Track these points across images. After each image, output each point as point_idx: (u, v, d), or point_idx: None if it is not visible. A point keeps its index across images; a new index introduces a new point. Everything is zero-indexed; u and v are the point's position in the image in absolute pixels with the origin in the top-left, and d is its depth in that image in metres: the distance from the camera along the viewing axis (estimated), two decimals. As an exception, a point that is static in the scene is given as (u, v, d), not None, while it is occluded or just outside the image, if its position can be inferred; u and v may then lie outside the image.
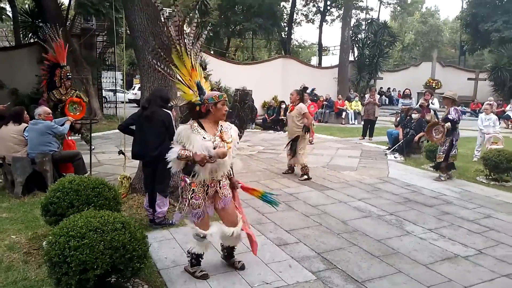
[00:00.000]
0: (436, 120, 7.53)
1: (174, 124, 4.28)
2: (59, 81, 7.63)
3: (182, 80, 3.25)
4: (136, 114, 4.35)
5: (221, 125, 3.28)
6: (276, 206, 3.73)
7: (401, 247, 4.09)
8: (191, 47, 3.26)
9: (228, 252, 3.57)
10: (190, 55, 3.24)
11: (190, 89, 3.22)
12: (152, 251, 3.61)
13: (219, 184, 3.26)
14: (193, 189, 3.17)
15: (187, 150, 3.06)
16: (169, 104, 4.22)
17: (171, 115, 4.27)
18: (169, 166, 3.18)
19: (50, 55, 7.65)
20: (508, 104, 18.11)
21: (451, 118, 6.82)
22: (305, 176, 6.76)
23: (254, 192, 3.65)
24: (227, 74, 16.30)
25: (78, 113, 7.26)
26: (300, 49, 37.65)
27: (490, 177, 7.07)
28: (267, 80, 18.24)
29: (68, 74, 7.70)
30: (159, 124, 4.14)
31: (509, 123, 17.02)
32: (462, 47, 31.87)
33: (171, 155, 3.10)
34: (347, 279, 3.40)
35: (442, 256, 3.90)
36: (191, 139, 3.08)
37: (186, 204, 3.21)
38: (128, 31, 5.70)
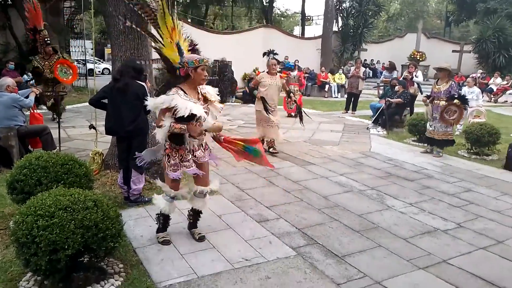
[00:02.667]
0: (425, 95, 7.22)
1: (149, 96, 4.07)
2: (40, 46, 7.20)
3: (162, 41, 3.12)
4: (107, 86, 4.10)
5: (200, 88, 3.26)
6: (257, 156, 3.60)
7: (381, 221, 4.08)
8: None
9: (193, 219, 3.56)
10: (172, 12, 3.11)
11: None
12: (127, 230, 3.51)
13: (203, 146, 3.38)
14: (181, 155, 3.23)
15: (178, 123, 3.05)
16: (142, 75, 4.00)
17: (146, 87, 4.05)
18: (157, 137, 3.19)
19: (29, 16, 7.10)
20: (491, 77, 18.23)
21: (457, 94, 6.67)
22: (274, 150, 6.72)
23: (237, 144, 3.55)
24: (205, 44, 15.59)
25: (70, 77, 6.71)
26: (282, 18, 36.85)
27: (472, 151, 7.10)
28: (247, 51, 17.74)
29: (46, 39, 7.25)
30: (133, 96, 3.92)
31: (492, 96, 17.20)
32: (448, 18, 31.67)
33: (163, 129, 3.09)
34: (327, 254, 3.37)
35: (422, 230, 3.90)
36: (183, 103, 3.02)
37: (178, 166, 3.22)
38: None
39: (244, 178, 5.30)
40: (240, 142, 3.53)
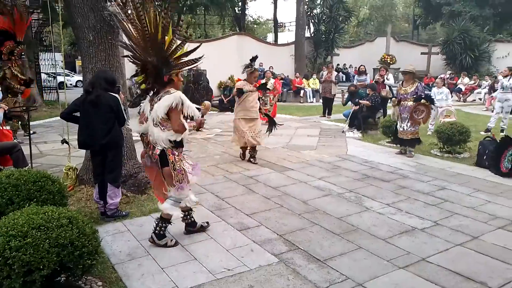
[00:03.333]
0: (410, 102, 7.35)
1: (123, 108, 4.01)
2: (6, 54, 6.96)
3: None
4: (79, 99, 4.01)
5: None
6: None
7: (360, 223, 4.13)
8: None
9: (191, 217, 3.77)
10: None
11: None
12: (105, 246, 3.42)
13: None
14: (180, 159, 3.40)
15: (189, 121, 3.37)
16: (115, 87, 3.94)
17: (119, 99, 3.98)
18: (172, 138, 3.31)
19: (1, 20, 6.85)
20: (459, 77, 18.87)
21: (423, 95, 6.93)
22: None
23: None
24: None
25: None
26: (255, 26, 37.09)
27: (444, 149, 7.31)
28: (222, 59, 17.75)
29: (22, 54, 7.06)
30: (106, 109, 3.85)
31: (461, 96, 17.79)
32: (415, 21, 32.71)
33: (185, 132, 3.34)
34: (309, 258, 3.38)
35: (400, 230, 3.97)
36: (189, 104, 3.26)
37: (186, 173, 3.41)
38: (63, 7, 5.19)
39: (223, 187, 5.27)
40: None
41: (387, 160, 6.83)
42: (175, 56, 3.32)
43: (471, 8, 24.34)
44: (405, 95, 7.00)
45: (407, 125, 6.99)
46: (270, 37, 37.45)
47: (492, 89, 14.32)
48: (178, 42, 3.32)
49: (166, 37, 3.23)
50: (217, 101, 14.50)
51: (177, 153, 3.38)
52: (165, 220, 3.49)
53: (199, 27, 32.30)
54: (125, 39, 3.36)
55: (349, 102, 10.12)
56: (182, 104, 3.23)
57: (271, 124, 6.82)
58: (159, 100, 3.26)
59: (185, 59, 3.37)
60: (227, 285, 2.97)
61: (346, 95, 10.18)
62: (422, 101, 6.83)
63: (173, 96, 3.22)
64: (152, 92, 3.41)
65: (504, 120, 9.22)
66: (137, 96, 3.54)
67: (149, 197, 4.69)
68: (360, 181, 5.60)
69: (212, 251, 3.48)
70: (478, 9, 24.33)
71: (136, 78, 3.46)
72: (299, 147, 7.87)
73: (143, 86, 3.42)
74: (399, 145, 7.41)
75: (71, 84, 24.69)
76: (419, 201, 4.79)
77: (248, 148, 6.65)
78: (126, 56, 3.31)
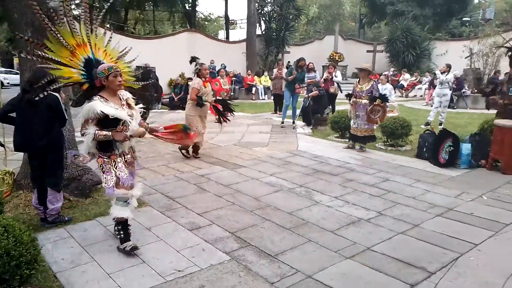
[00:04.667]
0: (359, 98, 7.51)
1: (63, 107, 3.80)
2: None
3: (60, 62, 3.21)
4: (15, 99, 3.75)
5: (120, 94, 3.37)
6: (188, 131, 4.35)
7: (310, 217, 4.23)
8: (80, 18, 3.32)
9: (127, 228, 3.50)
10: (78, 31, 3.27)
11: (72, 67, 3.22)
12: (45, 253, 3.25)
13: (132, 149, 3.52)
14: (114, 161, 3.31)
15: (103, 130, 3.15)
16: (54, 85, 3.72)
17: (59, 98, 3.77)
18: (81, 147, 3.38)
19: None
20: (402, 74, 19.85)
21: (378, 94, 7.08)
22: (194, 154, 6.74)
23: (175, 126, 4.22)
24: (126, 50, 15.21)
25: None
26: (206, 23, 36.70)
27: (388, 143, 7.66)
28: (172, 56, 17.41)
29: None
30: (45, 108, 3.63)
31: (403, 91, 18.74)
32: (361, 20, 34.00)
33: (88, 137, 3.17)
34: (260, 254, 3.41)
35: (347, 221, 4.12)
36: (107, 110, 3.15)
37: (114, 175, 3.28)
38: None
39: (174, 187, 5.18)
40: (177, 125, 4.24)
41: (336, 154, 7.05)
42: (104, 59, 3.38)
43: (413, 8, 25.67)
44: (360, 93, 7.15)
45: (361, 123, 7.17)
46: (222, 34, 37.28)
47: (431, 84, 15.19)
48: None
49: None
50: (168, 99, 14.22)
51: (106, 157, 3.30)
52: (120, 223, 3.40)
53: (148, 23, 31.44)
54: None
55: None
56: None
57: (226, 110, 6.77)
58: None
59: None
60: (177, 287, 2.92)
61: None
62: (378, 101, 6.97)
63: (88, 105, 3.17)
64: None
65: (442, 114, 9.83)
66: (80, 95, 3.38)
67: (94, 200, 4.50)
68: (310, 176, 5.73)
69: (162, 253, 3.41)
70: (419, 8, 25.71)
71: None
72: (251, 144, 7.90)
73: (84, 86, 3.31)
74: (349, 140, 7.63)
75: (8, 83, 23.01)
76: (365, 193, 4.99)
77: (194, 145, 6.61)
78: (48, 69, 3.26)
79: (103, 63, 3.31)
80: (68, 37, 3.22)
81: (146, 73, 12.09)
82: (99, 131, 3.15)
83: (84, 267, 3.16)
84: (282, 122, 10.07)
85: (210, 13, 37.49)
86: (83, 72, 3.27)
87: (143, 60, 14.01)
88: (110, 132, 3.16)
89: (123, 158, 3.37)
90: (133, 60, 3.70)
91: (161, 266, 3.19)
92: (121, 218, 3.38)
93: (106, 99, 3.21)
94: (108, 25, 20.74)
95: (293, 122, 9.89)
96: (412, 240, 3.71)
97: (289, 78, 9.68)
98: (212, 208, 4.45)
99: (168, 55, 17.40)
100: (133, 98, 3.47)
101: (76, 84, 3.34)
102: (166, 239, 3.66)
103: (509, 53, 6.65)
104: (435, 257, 3.36)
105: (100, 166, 3.31)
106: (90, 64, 3.28)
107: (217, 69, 16.85)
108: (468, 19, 28.85)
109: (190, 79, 13.92)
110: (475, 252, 3.44)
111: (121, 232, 3.40)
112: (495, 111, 7.08)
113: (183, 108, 8.19)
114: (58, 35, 3.17)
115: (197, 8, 29.99)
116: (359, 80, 7.38)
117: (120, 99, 3.34)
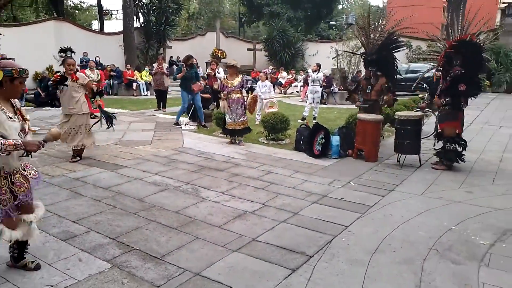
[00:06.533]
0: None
1: None
2: None
3: None
4: None
5: (14, 102, 2.83)
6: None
7: (197, 214, 4.21)
8: None
9: (20, 249, 3.02)
10: None
11: None
12: None
13: (23, 165, 2.87)
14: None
15: (10, 139, 2.57)
16: None
17: None
18: None
19: None
20: (280, 72, 21.09)
21: (248, 86, 7.54)
22: (78, 158, 6.15)
23: None
24: (-24, 39, 12.99)
25: None
26: (76, 11, 33.69)
27: (269, 137, 8.06)
28: (37, 47, 15.57)
29: None
30: None
31: (282, 88, 19.93)
32: (241, 19, 35.06)
33: None
34: (145, 258, 3.26)
35: (234, 215, 4.21)
36: (2, 121, 2.60)
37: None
38: None
39: (43, 193, 4.60)
40: None
41: (221, 150, 7.15)
42: None
43: (287, 10, 27.48)
44: (232, 88, 7.42)
45: (236, 116, 7.42)
46: (96, 25, 34.54)
47: (306, 82, 16.47)
48: None
49: None
50: (33, 95, 12.62)
51: None
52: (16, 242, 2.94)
53: (5, 8, 27.32)
54: None
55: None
56: None
57: (106, 116, 6.24)
58: None
59: None
60: (50, 305, 2.61)
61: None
62: (250, 94, 7.43)
63: None
64: None
65: (316, 109, 10.73)
66: None
67: None
68: (196, 173, 5.70)
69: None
70: (292, 11, 27.64)
71: None
72: (134, 143, 7.52)
73: None
74: (229, 136, 7.81)
75: None
76: (250, 186, 5.17)
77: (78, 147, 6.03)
78: None
79: None
80: None
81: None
82: (6, 141, 2.55)
83: None
84: (176, 123, 9.50)
85: (80, 1, 34.41)
86: None
87: (-1, 51, 12.21)
88: (20, 140, 2.62)
89: (8, 179, 2.78)
90: None
91: (30, 284, 2.82)
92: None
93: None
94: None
95: (200, 123, 9.42)
96: (292, 227, 3.96)
97: (178, 76, 9.42)
98: (89, 214, 4.09)
99: (32, 46, 15.47)
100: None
101: None
102: (34, 252, 3.23)
103: (363, 57, 7.57)
104: (312, 241, 3.64)
105: None
106: None
107: (91, 62, 15.54)
108: (334, 23, 32.11)
109: (58, 72, 12.62)
110: (346, 233, 3.84)
111: (15, 250, 2.99)
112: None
113: (53, 105, 7.35)
114: None
115: (65, -5, 27.25)
116: (227, 76, 7.69)
117: (14, 107, 2.79)
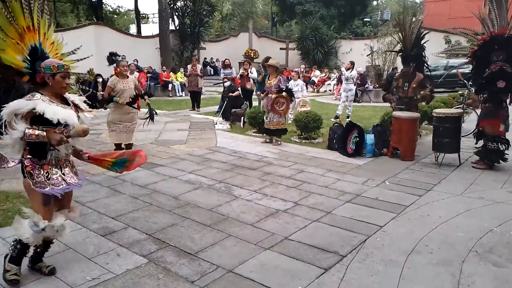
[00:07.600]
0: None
1: None
2: None
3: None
4: None
5: (67, 96, 2.93)
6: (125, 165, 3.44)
7: (230, 212, 4.26)
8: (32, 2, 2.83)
9: (41, 251, 3.03)
10: (29, 12, 2.82)
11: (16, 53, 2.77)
12: None
13: (70, 163, 2.98)
14: (47, 171, 2.77)
15: (35, 128, 2.63)
16: None
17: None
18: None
19: None
20: (313, 71, 20.93)
21: (284, 87, 7.45)
22: None
23: (104, 163, 3.23)
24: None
25: None
26: (115, 16, 34.93)
27: (302, 136, 8.02)
28: (78, 51, 16.25)
29: None
30: None
31: (315, 87, 19.76)
32: (273, 19, 35.06)
33: (15, 134, 2.59)
34: (180, 254, 3.34)
35: (266, 213, 4.22)
36: (50, 108, 2.66)
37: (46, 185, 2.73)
38: None
39: (84, 191, 4.80)
40: (108, 159, 3.22)
41: (254, 149, 7.19)
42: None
43: (320, 8, 27.18)
44: (270, 88, 7.50)
45: (272, 116, 7.46)
46: (134, 29, 35.69)
47: (339, 80, 16.25)
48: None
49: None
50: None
51: (33, 164, 2.75)
52: (20, 243, 2.83)
53: (49, 15, 28.80)
54: None
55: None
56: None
57: (151, 113, 6.43)
58: None
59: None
60: (90, 297, 2.73)
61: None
62: (284, 93, 7.36)
63: (24, 101, 2.65)
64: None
65: (349, 107, 10.57)
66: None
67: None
68: (229, 171, 5.76)
69: (72, 263, 3.16)
70: (325, 9, 27.31)
71: None
72: (169, 142, 7.71)
73: (25, 77, 2.89)
74: (266, 135, 7.84)
75: None
76: (282, 185, 5.17)
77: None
78: None
79: (49, 56, 2.93)
80: (19, 14, 2.76)
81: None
82: (30, 130, 2.61)
83: (-21, 288, 2.80)
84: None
85: (119, 6, 35.74)
86: (27, 62, 2.82)
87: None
88: (45, 133, 2.64)
89: (60, 170, 2.84)
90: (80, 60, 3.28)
91: (72, 277, 2.96)
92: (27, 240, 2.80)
93: (49, 98, 2.74)
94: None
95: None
96: (325, 226, 3.93)
97: (259, 78, 9.25)
98: (127, 211, 4.25)
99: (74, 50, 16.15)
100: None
101: (15, 73, 2.84)
102: (75, 247, 3.40)
103: (400, 54, 7.36)
104: (346, 241, 3.60)
105: (28, 174, 2.73)
106: (35, 55, 2.86)
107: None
108: (368, 19, 31.43)
109: (99, 75, 13.17)
110: (380, 233, 3.76)
111: (17, 250, 2.85)
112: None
113: (93, 106, 7.72)
114: (9, 9, 2.69)
115: (103, 0, 28.33)
116: (268, 76, 7.69)
117: (64, 99, 2.89)
